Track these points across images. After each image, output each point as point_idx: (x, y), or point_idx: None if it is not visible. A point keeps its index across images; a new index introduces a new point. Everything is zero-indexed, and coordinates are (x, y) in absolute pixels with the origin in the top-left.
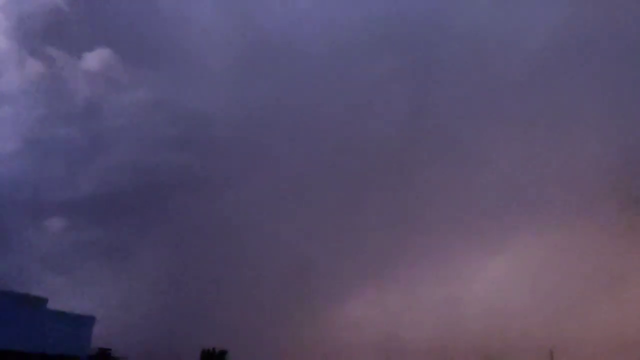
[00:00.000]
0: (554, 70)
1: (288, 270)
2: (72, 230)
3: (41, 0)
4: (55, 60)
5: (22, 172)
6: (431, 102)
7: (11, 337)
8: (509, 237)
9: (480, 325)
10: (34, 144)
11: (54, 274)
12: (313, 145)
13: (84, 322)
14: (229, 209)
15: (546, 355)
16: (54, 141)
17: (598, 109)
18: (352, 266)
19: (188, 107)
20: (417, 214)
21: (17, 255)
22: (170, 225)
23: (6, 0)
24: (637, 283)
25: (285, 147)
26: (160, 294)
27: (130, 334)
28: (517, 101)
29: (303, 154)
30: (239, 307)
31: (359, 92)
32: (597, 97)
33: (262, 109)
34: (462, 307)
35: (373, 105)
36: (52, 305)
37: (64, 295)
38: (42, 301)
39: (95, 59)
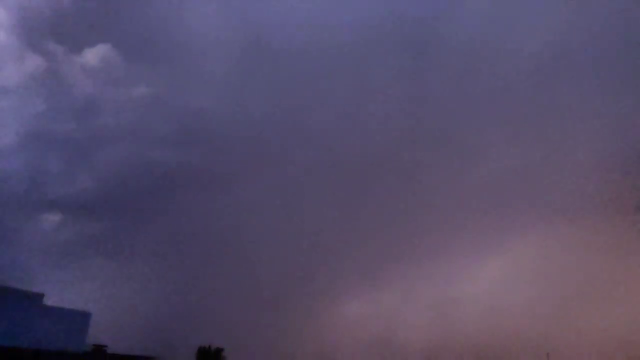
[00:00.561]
0: (548, 73)
1: (285, 269)
2: (69, 226)
3: None
4: (55, 55)
5: (20, 166)
6: (428, 104)
7: (6, 332)
8: (505, 238)
9: (476, 325)
10: (32, 138)
11: (50, 270)
12: (311, 145)
13: (80, 318)
14: (227, 207)
15: (542, 355)
16: (53, 136)
17: (592, 112)
18: (350, 266)
19: (187, 104)
20: (414, 215)
21: (14, 250)
22: (168, 222)
23: None
24: (632, 285)
25: (284, 146)
26: (157, 290)
27: (126, 330)
28: (514, 104)
29: (301, 153)
30: (235, 305)
31: (357, 92)
32: (592, 100)
33: (262, 107)
34: (458, 308)
35: (371, 106)
36: (48, 300)
37: (60, 291)
38: (38, 297)
39: (95, 54)
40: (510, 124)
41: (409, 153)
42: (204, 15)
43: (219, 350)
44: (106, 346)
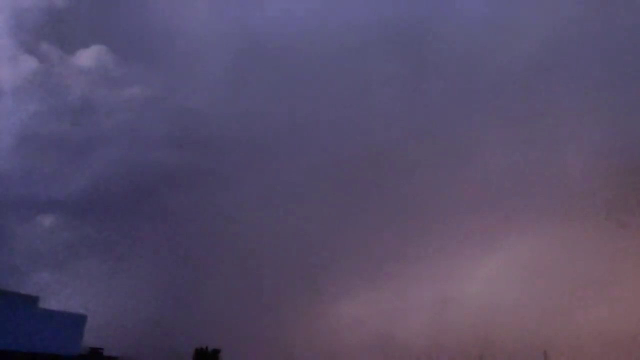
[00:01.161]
0: (544, 73)
1: (283, 269)
2: (65, 228)
3: None
4: (49, 57)
5: (15, 168)
6: (425, 104)
7: (1, 336)
8: (502, 237)
9: (474, 323)
10: (27, 140)
11: (45, 272)
12: (309, 146)
13: (75, 321)
14: (224, 208)
15: (540, 354)
16: (47, 137)
17: (587, 111)
18: (347, 266)
19: (183, 104)
20: (412, 215)
21: (8, 253)
22: (164, 223)
23: None
24: (628, 281)
25: (281, 146)
26: (153, 292)
27: (123, 332)
28: (511, 103)
29: (299, 154)
30: (233, 306)
31: (354, 93)
32: (588, 99)
33: (259, 106)
34: (456, 307)
35: (368, 106)
36: (43, 303)
37: (55, 294)
38: (33, 300)
39: (89, 56)
40: (506, 123)
41: (406, 153)
42: (199, 15)
43: (216, 352)
44: (102, 349)
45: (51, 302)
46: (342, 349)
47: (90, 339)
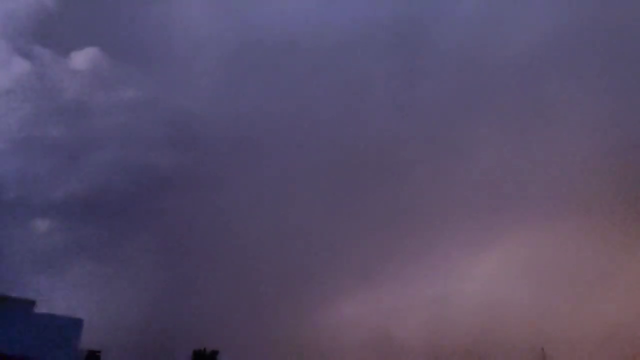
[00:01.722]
0: (540, 72)
1: (280, 270)
2: (60, 231)
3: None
4: (42, 59)
5: (9, 171)
6: (421, 103)
7: None
8: (499, 235)
9: (472, 323)
10: (21, 143)
11: (41, 276)
12: (304, 145)
13: (72, 325)
14: (220, 208)
15: (538, 352)
16: (42, 140)
17: (583, 110)
18: (344, 266)
19: (178, 106)
20: (408, 213)
21: (3, 257)
22: (160, 226)
23: None
24: (626, 279)
25: (277, 147)
26: (150, 294)
27: (120, 335)
28: (505, 101)
29: (294, 153)
30: (230, 307)
31: (349, 92)
32: (583, 98)
33: (254, 107)
34: (453, 306)
35: (364, 105)
36: (39, 308)
37: (52, 298)
38: (29, 304)
39: (83, 58)
40: (502, 122)
41: (402, 152)
42: (194, 16)
43: (214, 353)
44: (100, 352)
45: (48, 306)
46: (340, 349)
47: (87, 342)
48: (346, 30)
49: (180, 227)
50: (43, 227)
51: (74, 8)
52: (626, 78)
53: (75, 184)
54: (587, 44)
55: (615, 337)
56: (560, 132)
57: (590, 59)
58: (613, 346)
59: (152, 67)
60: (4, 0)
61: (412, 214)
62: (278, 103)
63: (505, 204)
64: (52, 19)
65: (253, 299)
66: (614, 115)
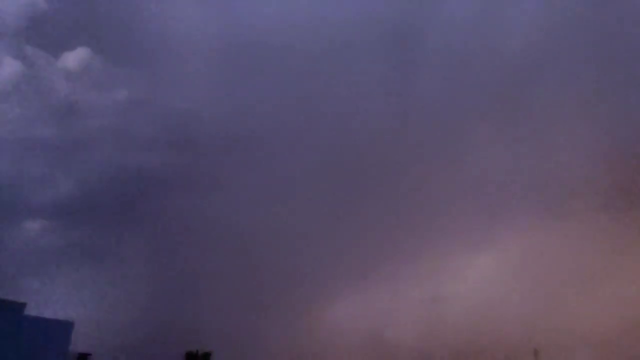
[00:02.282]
0: (536, 71)
1: (274, 271)
2: (51, 233)
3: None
4: (33, 60)
5: (0, 173)
6: (416, 103)
7: None
8: (491, 237)
9: (465, 324)
10: (11, 144)
11: (32, 278)
12: (299, 146)
13: (62, 328)
14: (214, 209)
15: (530, 352)
16: (33, 141)
17: (580, 109)
18: (337, 267)
19: (171, 106)
20: (403, 214)
21: None
22: (152, 227)
23: None
24: (618, 280)
25: (271, 147)
26: (142, 296)
27: (112, 337)
28: (499, 102)
29: (289, 154)
30: (223, 308)
31: (344, 92)
32: (579, 97)
33: (247, 108)
34: (446, 306)
35: (359, 106)
36: (30, 310)
37: (43, 300)
38: (19, 306)
39: (74, 58)
40: (497, 122)
41: (397, 152)
42: (185, 16)
43: (206, 355)
44: (90, 354)
45: (38, 309)
46: (333, 350)
47: (78, 344)
48: (341, 30)
49: (172, 228)
50: (34, 229)
51: (66, 8)
52: (617, 79)
53: (67, 185)
54: (579, 45)
55: (608, 338)
56: (552, 134)
57: (583, 58)
58: (605, 347)
59: (144, 68)
60: None
61: (407, 214)
62: (271, 103)
63: (497, 206)
64: (43, 19)
65: (246, 300)
66: (606, 117)
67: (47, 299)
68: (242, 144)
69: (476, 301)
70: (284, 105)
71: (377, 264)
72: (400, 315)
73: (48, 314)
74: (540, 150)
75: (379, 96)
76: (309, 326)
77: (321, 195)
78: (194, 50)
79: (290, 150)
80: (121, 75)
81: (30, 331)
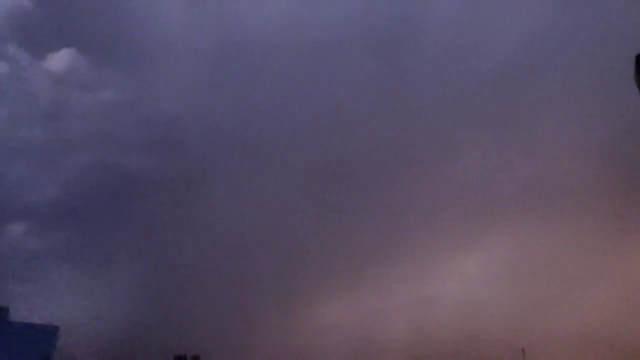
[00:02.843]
0: (527, 72)
1: (262, 273)
2: (36, 235)
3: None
4: (18, 60)
5: None
6: (408, 104)
7: None
8: (480, 237)
9: (453, 324)
10: None
11: (16, 282)
12: (287, 148)
13: (47, 333)
14: (202, 212)
15: (518, 352)
16: (17, 143)
17: (566, 112)
18: (326, 269)
19: (157, 108)
20: (391, 216)
21: None
22: (140, 230)
23: None
24: (607, 280)
25: (259, 149)
26: (129, 299)
27: (98, 341)
28: (492, 103)
29: (278, 156)
30: (211, 311)
31: (334, 93)
32: (566, 100)
33: (234, 110)
34: (435, 307)
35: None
36: (14, 315)
37: (27, 305)
38: (3, 311)
39: (60, 59)
40: (486, 123)
41: (387, 154)
42: (173, 18)
43: (195, 358)
44: (76, 359)
45: (22, 314)
46: (322, 353)
47: (64, 348)
48: (331, 30)
49: (160, 231)
50: (18, 231)
51: (51, 9)
52: (606, 81)
53: (52, 187)
54: (568, 45)
55: (596, 337)
56: (540, 135)
57: (571, 61)
58: (593, 346)
59: (130, 69)
60: None
61: (396, 216)
62: (260, 105)
63: (487, 207)
64: (28, 20)
65: (235, 303)
66: (595, 118)
67: (32, 304)
68: (229, 145)
69: (464, 302)
70: (271, 108)
71: (367, 265)
72: (390, 316)
73: (33, 319)
74: (528, 152)
75: (368, 99)
76: (298, 328)
77: (310, 197)
78: (181, 50)
79: (279, 153)
80: (107, 76)
81: (15, 336)
